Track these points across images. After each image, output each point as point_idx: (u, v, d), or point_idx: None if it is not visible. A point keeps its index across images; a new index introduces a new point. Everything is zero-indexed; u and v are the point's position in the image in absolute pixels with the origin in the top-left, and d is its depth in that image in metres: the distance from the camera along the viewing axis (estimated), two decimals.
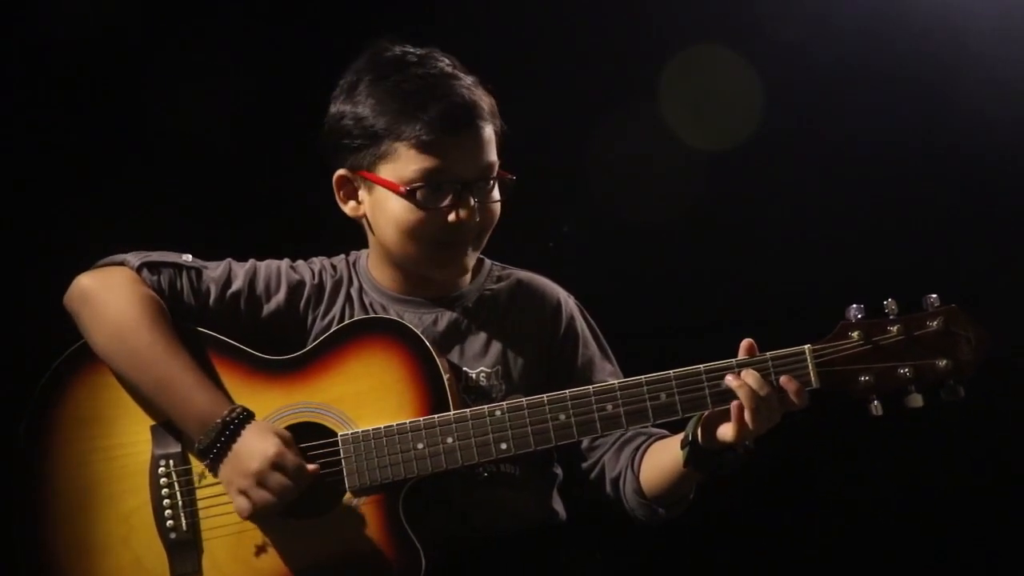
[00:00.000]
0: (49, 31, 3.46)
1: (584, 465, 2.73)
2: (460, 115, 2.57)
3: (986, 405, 2.50)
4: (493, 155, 2.62)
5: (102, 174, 3.52)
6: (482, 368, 2.68)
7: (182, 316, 2.66)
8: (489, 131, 2.61)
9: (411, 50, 2.65)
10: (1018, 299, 3.51)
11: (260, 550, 2.58)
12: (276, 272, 2.73)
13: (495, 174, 2.63)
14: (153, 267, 2.67)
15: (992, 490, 3.60)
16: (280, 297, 2.71)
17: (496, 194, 2.64)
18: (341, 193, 2.69)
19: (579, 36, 3.65)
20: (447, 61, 2.64)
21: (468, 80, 2.63)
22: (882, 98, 3.58)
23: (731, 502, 3.35)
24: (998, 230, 3.57)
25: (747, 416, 2.41)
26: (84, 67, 3.53)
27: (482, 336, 2.70)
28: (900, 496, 3.65)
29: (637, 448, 2.67)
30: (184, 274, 2.68)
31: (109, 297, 2.63)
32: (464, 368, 2.67)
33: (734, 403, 2.43)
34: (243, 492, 2.53)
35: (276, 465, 2.51)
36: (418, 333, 2.58)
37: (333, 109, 2.67)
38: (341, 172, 2.67)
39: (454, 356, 2.68)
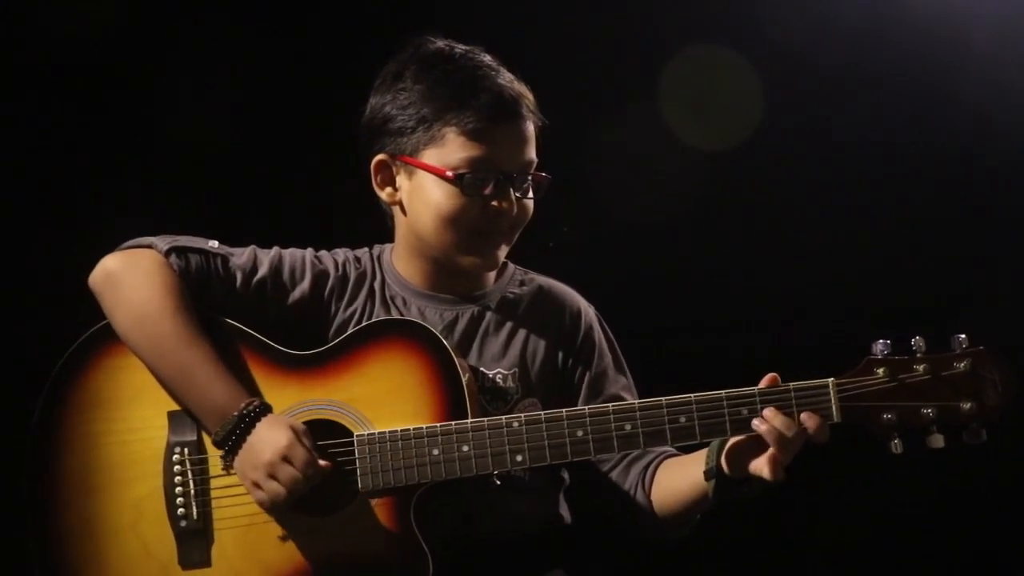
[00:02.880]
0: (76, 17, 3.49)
1: (590, 478, 2.72)
2: (510, 106, 2.60)
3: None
4: (534, 152, 2.65)
5: (125, 161, 3.54)
6: (499, 369, 2.67)
7: (207, 302, 2.64)
8: (532, 127, 2.64)
9: (455, 44, 2.68)
10: (1018, 299, 3.51)
11: (270, 544, 2.56)
12: (301, 261, 2.71)
13: (533, 172, 2.65)
14: (180, 252, 2.64)
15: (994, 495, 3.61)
16: (305, 286, 2.69)
17: (532, 192, 2.65)
18: (378, 178, 2.68)
19: (579, 36, 3.65)
20: (490, 57, 2.67)
21: (510, 75, 2.66)
22: (883, 98, 3.58)
23: (732, 507, 3.34)
24: (998, 230, 3.57)
25: (774, 455, 2.40)
26: (108, 54, 3.54)
27: (502, 337, 2.70)
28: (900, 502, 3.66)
29: (647, 466, 2.67)
30: (211, 260, 2.66)
31: (135, 281, 2.61)
32: (481, 368, 2.66)
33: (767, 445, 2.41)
34: (256, 483, 2.52)
35: (286, 457, 2.49)
36: (440, 337, 2.56)
37: (375, 98, 2.68)
38: (380, 157, 2.66)
39: (472, 355, 2.68)
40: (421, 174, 2.62)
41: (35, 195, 3.50)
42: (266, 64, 3.56)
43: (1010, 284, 3.56)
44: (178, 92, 3.53)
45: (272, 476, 2.50)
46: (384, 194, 2.69)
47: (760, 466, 2.43)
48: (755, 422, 2.42)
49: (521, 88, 2.65)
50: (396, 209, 2.70)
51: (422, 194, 2.62)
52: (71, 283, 2.69)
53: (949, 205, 3.59)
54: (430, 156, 2.60)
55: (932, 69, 3.55)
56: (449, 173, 2.58)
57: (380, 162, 2.67)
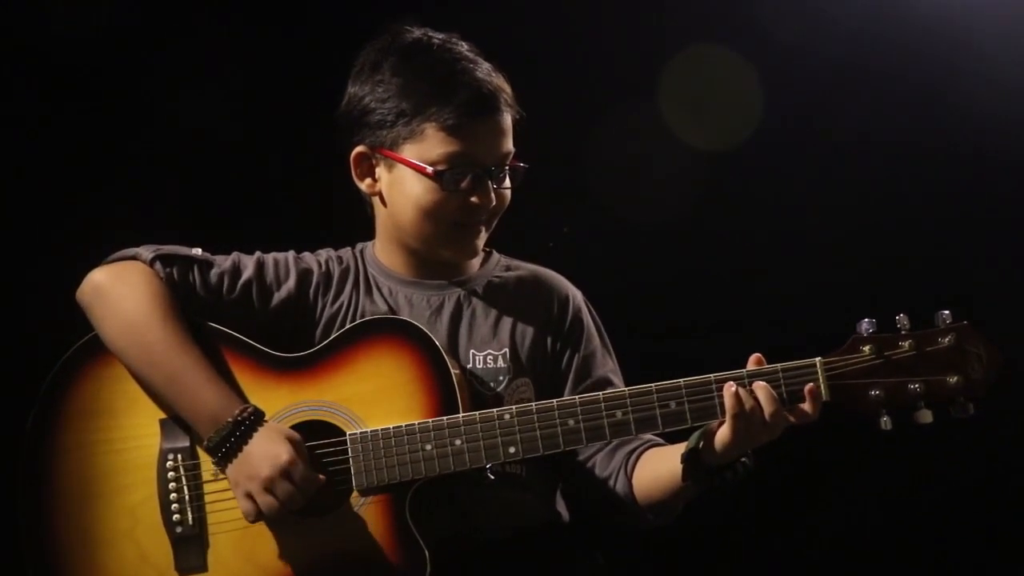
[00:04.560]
0: (59, 21, 3.50)
1: (574, 462, 2.72)
2: (488, 101, 2.62)
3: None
4: (511, 144, 2.66)
5: (109, 170, 3.55)
6: (489, 350, 2.68)
7: (195, 309, 2.65)
8: (509, 119, 2.66)
9: (432, 33, 2.68)
10: (1018, 299, 3.51)
11: (266, 547, 2.56)
12: (284, 261, 2.73)
13: (510, 162, 2.66)
14: (166, 260, 2.66)
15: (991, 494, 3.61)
16: (290, 285, 2.70)
17: (509, 181, 2.67)
18: (358, 170, 2.70)
19: (579, 36, 3.65)
20: (467, 46, 2.68)
21: (487, 66, 2.66)
22: (882, 98, 3.58)
23: (730, 504, 3.35)
24: (998, 230, 3.57)
25: (732, 424, 2.42)
26: (90, 62, 3.55)
27: (490, 320, 2.71)
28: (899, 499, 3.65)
29: (631, 452, 2.67)
30: (196, 267, 2.67)
31: (122, 291, 2.62)
32: (472, 350, 2.67)
33: (728, 407, 2.43)
34: (249, 495, 2.52)
35: (286, 473, 2.50)
36: (428, 333, 2.57)
37: (353, 87, 2.69)
38: (360, 149, 2.68)
39: (462, 338, 2.68)
40: (400, 167, 2.64)
41: (26, 205, 3.51)
42: (254, 66, 3.56)
43: (1010, 284, 3.56)
44: (163, 99, 3.54)
45: (268, 490, 2.51)
46: (364, 185, 2.71)
47: (722, 433, 2.43)
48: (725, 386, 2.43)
49: (499, 81, 2.66)
50: (376, 200, 2.73)
51: (402, 187, 2.64)
52: (62, 294, 2.70)
53: (949, 205, 3.59)
54: (409, 151, 2.62)
55: (932, 69, 3.55)
56: (429, 169, 2.60)
57: (360, 154, 2.69)
